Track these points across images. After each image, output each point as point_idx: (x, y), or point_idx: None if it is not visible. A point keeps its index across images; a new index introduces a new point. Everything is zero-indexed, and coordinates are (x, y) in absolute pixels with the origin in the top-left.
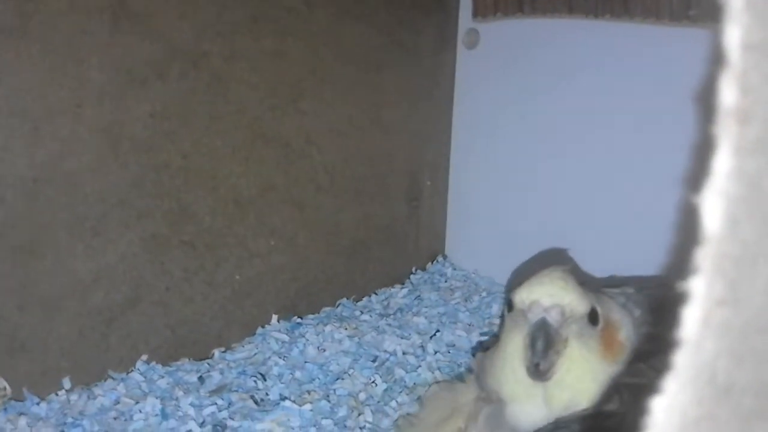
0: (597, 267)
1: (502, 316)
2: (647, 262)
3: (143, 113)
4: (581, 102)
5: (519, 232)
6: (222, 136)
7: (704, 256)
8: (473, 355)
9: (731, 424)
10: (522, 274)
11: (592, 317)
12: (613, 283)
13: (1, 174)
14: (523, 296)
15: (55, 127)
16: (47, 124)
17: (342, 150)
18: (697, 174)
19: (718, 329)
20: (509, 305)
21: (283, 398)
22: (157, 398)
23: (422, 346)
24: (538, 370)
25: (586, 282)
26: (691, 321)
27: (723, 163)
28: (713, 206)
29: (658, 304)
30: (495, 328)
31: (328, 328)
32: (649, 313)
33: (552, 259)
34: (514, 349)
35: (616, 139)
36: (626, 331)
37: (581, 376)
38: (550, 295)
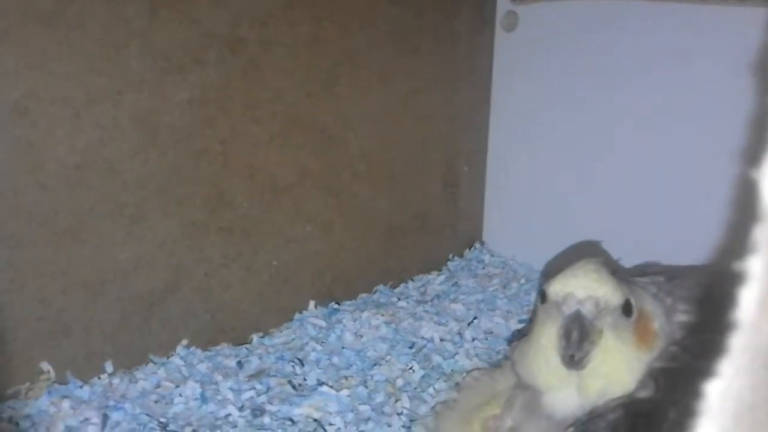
0: (632, 257)
1: (534, 307)
2: (683, 252)
3: (182, 100)
4: (624, 86)
5: (557, 219)
6: (259, 123)
7: (763, 233)
8: (509, 342)
9: None
10: (555, 266)
11: (626, 308)
12: (644, 272)
13: (43, 161)
14: (557, 288)
15: (95, 114)
16: (88, 112)
17: (378, 136)
18: (755, 148)
19: None
20: (542, 297)
21: (321, 383)
22: (196, 382)
23: (460, 333)
24: (573, 361)
25: (618, 272)
26: (748, 301)
27: None
28: None
29: (700, 291)
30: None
31: (365, 315)
32: (683, 301)
33: (585, 251)
34: (548, 341)
35: (660, 125)
36: (659, 321)
37: (615, 366)
38: (584, 288)
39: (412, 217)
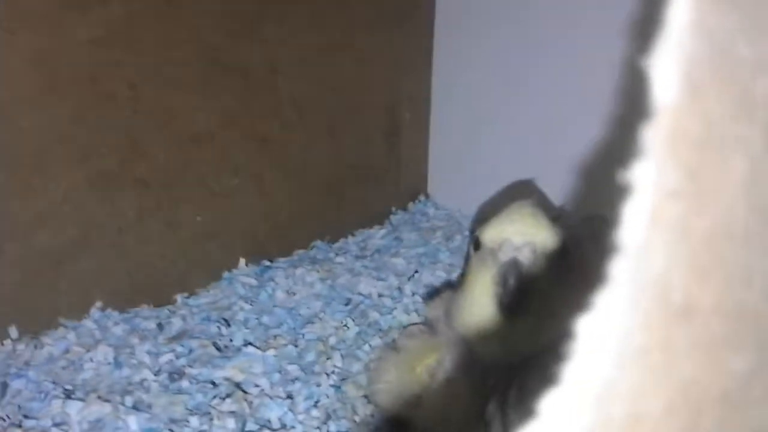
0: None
1: (467, 256)
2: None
3: (84, 39)
4: (573, 28)
5: (506, 169)
6: (174, 65)
7: (654, 134)
8: (425, 300)
9: (694, 355)
10: (488, 210)
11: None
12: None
13: None
14: (492, 235)
15: None
16: None
17: (310, 80)
18: (647, 29)
19: (672, 231)
20: (476, 244)
21: (247, 344)
22: (110, 346)
23: (399, 288)
24: (509, 308)
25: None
26: (635, 218)
27: (682, 13)
28: (668, 69)
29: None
30: None
31: (299, 271)
32: None
33: (519, 192)
34: (482, 289)
35: (605, 66)
36: None
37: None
38: (521, 233)
39: (350, 168)
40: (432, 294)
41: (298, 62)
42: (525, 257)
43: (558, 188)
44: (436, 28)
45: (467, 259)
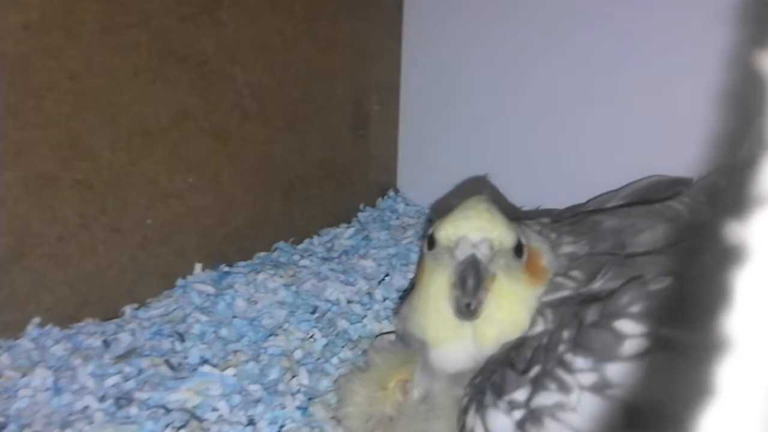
0: (555, 199)
1: (420, 257)
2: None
3: (15, 25)
4: (545, 14)
5: (479, 163)
6: (120, 53)
7: None
8: (395, 312)
9: None
10: (441, 208)
11: (518, 249)
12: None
13: None
14: (448, 232)
15: None
16: None
17: (271, 70)
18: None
19: None
20: (430, 242)
21: (204, 362)
22: (49, 369)
23: (369, 293)
24: (468, 310)
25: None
26: None
27: None
28: None
29: (587, 226)
30: None
31: (260, 277)
32: (567, 234)
33: (471, 189)
34: (438, 290)
35: (578, 60)
36: (547, 257)
37: (511, 310)
38: (478, 229)
39: (316, 163)
40: (401, 301)
41: (258, 50)
42: (483, 254)
43: (529, 180)
44: (404, 14)
45: (420, 261)
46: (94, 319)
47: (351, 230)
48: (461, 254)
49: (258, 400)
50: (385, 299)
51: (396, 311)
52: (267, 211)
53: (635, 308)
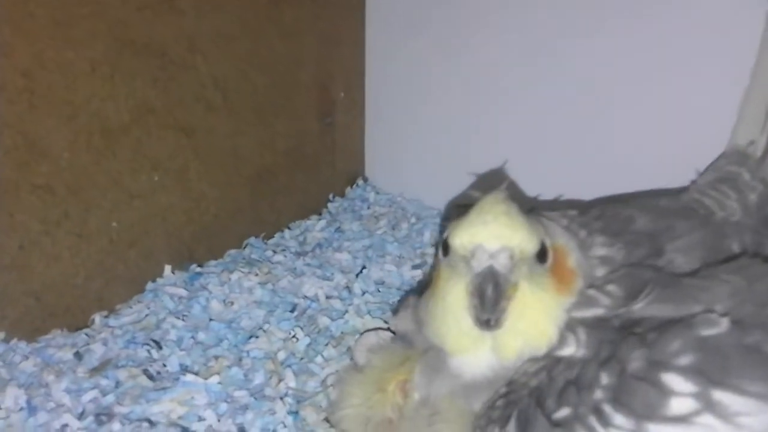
0: (531, 187)
1: (436, 255)
2: (579, 180)
3: None
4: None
5: (448, 148)
6: (75, 47)
7: None
8: (394, 312)
9: None
10: (458, 205)
11: (542, 254)
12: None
13: None
14: (463, 240)
15: None
16: None
17: (234, 58)
18: None
19: None
20: (444, 248)
21: (185, 369)
22: (20, 387)
23: (348, 287)
24: (488, 324)
25: (525, 206)
26: None
27: None
28: None
29: (620, 224)
30: (428, 259)
31: (234, 276)
32: (600, 234)
33: (489, 184)
34: (455, 299)
35: (551, 38)
36: (575, 256)
37: (535, 320)
38: (496, 237)
39: (283, 154)
40: (400, 300)
41: (220, 38)
42: (502, 265)
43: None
44: None
45: (435, 261)
46: (62, 330)
47: (322, 222)
48: (478, 266)
49: (246, 407)
50: (364, 293)
51: (395, 311)
52: (236, 206)
53: (685, 359)
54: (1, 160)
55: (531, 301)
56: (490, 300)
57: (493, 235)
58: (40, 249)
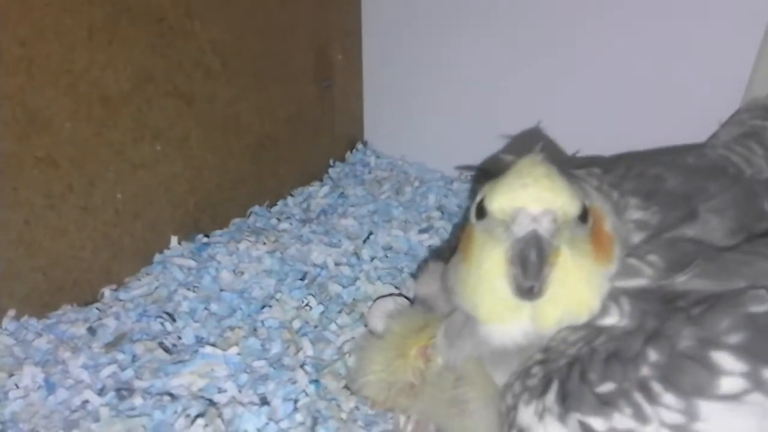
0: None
1: (464, 221)
2: (585, 135)
3: None
4: None
5: (449, 108)
6: (72, 14)
7: None
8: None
9: None
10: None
11: (583, 216)
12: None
13: None
14: (503, 204)
15: None
16: None
17: (232, 23)
18: None
19: None
20: (479, 211)
21: (201, 341)
22: (36, 365)
23: (356, 254)
24: (531, 292)
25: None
26: None
27: None
28: None
29: (651, 183)
30: (435, 223)
31: (242, 245)
32: (633, 195)
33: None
34: (492, 266)
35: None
36: (611, 220)
37: (577, 288)
38: (538, 200)
39: (283, 119)
40: (421, 265)
41: (217, 3)
42: (545, 229)
43: (499, 125)
44: None
45: (464, 226)
46: (72, 306)
47: (325, 188)
48: (520, 230)
49: (266, 377)
50: (372, 259)
51: (415, 276)
52: (238, 174)
53: (735, 337)
54: (1, 133)
55: (573, 267)
56: (534, 266)
57: (535, 197)
58: (46, 223)
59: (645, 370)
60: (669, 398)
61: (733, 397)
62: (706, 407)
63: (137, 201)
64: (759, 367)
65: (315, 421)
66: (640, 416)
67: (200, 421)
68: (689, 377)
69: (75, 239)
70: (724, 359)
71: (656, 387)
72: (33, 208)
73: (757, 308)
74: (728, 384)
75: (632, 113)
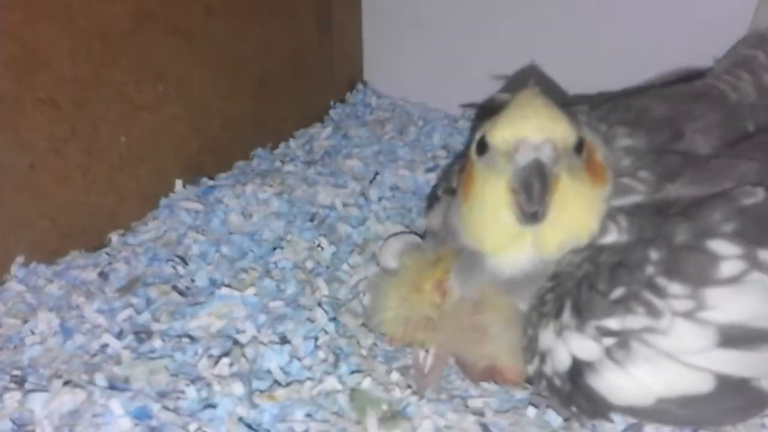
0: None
1: (463, 159)
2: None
3: None
4: None
5: (450, 46)
6: None
7: None
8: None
9: None
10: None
11: (579, 145)
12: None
13: None
14: (505, 135)
15: None
16: None
17: None
18: None
19: None
20: (480, 147)
21: (215, 283)
22: (50, 310)
23: (363, 194)
24: (535, 217)
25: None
26: None
27: None
28: None
29: (635, 114)
30: (440, 162)
31: (248, 188)
32: (620, 125)
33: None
34: (495, 198)
35: None
36: (601, 150)
37: (576, 212)
38: (539, 130)
39: (283, 58)
40: (430, 200)
41: None
42: (547, 157)
43: (500, 64)
44: None
45: (462, 164)
46: (80, 251)
47: (327, 129)
48: (523, 159)
49: (284, 317)
50: (380, 199)
51: (426, 211)
52: (240, 115)
53: (729, 226)
54: (1, 73)
55: (571, 193)
56: (537, 192)
57: (535, 127)
58: (50, 168)
59: (649, 270)
60: (675, 288)
61: (735, 279)
62: (711, 292)
63: (141, 144)
64: (754, 248)
65: (337, 358)
66: (653, 311)
67: (225, 360)
68: (690, 266)
69: (80, 184)
70: (720, 246)
71: (661, 281)
72: (36, 152)
73: (746, 201)
74: (728, 267)
75: (638, 53)
